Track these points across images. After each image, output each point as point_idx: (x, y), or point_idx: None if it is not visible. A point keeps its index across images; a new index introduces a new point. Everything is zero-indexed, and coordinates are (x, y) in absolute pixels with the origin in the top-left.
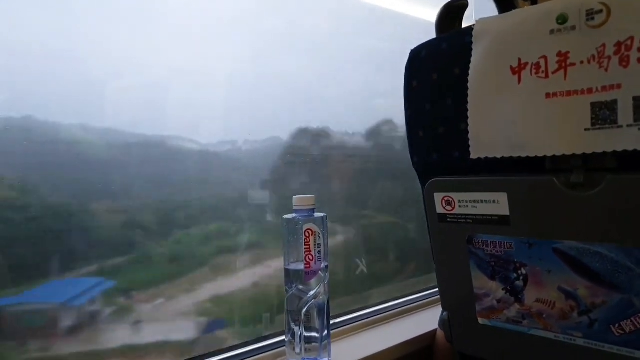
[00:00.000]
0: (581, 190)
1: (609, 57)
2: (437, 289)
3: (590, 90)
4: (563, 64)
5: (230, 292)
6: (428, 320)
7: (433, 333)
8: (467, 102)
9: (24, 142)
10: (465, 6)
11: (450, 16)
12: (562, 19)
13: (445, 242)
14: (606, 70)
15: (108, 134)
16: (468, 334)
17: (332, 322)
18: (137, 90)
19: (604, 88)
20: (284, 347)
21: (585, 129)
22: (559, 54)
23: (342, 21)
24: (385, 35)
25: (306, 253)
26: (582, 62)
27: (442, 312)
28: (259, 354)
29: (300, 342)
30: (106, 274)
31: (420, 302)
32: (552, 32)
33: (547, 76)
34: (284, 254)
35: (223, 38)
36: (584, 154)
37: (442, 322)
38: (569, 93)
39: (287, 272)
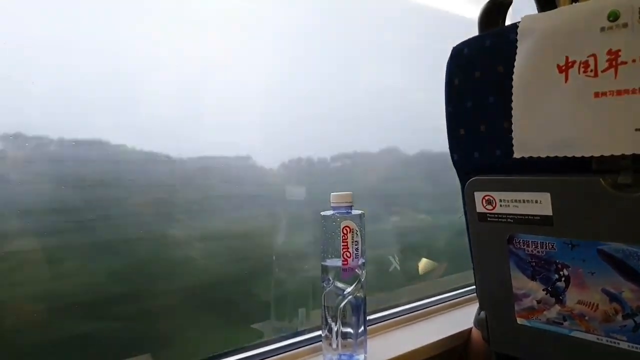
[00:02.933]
0: (629, 192)
1: None
2: (471, 287)
3: None
4: (613, 63)
5: None
6: (463, 318)
7: (468, 331)
8: (511, 101)
9: None
10: (509, 3)
11: (494, 13)
12: (613, 16)
13: (485, 241)
14: None
15: None
16: (506, 333)
17: (367, 318)
18: None
19: None
20: (320, 343)
21: (636, 129)
22: (609, 52)
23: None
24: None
25: (344, 250)
26: (634, 61)
27: (479, 312)
28: (295, 349)
29: (337, 337)
30: None
31: (455, 300)
32: (602, 29)
33: (596, 75)
34: (321, 251)
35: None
36: (633, 154)
37: (479, 322)
38: (619, 92)
39: (324, 268)
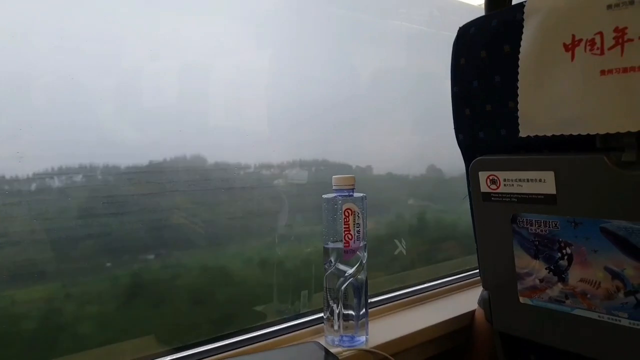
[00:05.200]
0: (633, 169)
1: None
2: (475, 271)
3: None
4: (620, 40)
5: None
6: (466, 301)
7: (471, 313)
8: (517, 80)
9: None
10: None
11: None
12: None
13: (489, 221)
14: None
15: None
16: (508, 313)
17: (369, 300)
18: None
19: None
20: (322, 324)
21: None
22: (616, 30)
23: None
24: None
25: (345, 232)
26: None
27: (483, 291)
28: (297, 330)
29: (338, 319)
30: None
31: (459, 283)
32: (609, 7)
33: (602, 53)
34: (323, 233)
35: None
36: (638, 132)
37: (482, 301)
38: (625, 70)
39: (326, 250)
